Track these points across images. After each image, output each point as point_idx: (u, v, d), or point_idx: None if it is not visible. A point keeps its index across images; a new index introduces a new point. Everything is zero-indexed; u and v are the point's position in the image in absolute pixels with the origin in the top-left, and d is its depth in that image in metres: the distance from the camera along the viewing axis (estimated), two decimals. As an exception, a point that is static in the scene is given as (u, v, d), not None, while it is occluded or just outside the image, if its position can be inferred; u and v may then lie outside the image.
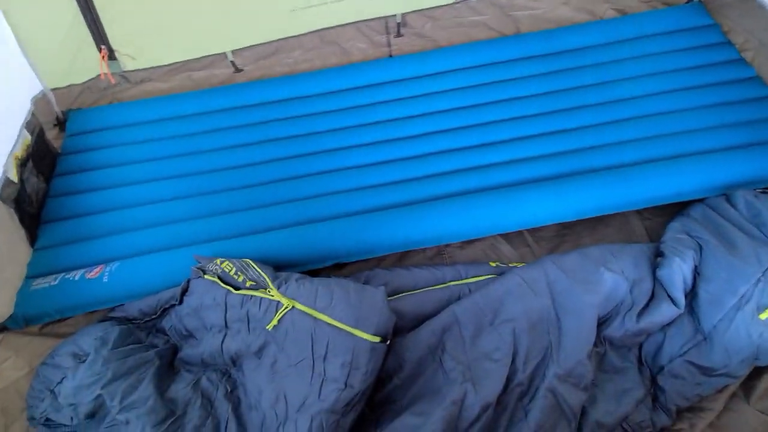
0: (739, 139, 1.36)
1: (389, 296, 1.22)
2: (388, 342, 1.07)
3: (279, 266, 1.24)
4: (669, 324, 1.08)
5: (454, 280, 1.24)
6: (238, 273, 1.13)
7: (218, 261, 1.15)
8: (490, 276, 1.23)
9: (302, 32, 1.53)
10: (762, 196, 1.17)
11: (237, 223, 1.32)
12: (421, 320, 1.18)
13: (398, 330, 1.15)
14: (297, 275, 1.13)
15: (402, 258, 1.39)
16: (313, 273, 1.30)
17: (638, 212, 1.39)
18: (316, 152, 1.45)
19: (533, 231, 1.39)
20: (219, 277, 1.14)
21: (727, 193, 1.24)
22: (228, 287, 1.11)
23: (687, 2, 1.74)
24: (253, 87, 1.60)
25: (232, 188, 1.41)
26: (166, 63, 1.55)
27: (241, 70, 1.60)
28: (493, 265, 1.27)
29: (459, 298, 1.19)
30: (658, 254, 1.15)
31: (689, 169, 1.29)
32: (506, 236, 1.38)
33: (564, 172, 1.35)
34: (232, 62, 1.58)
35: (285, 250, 1.26)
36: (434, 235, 1.31)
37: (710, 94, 1.48)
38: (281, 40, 1.54)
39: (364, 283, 1.25)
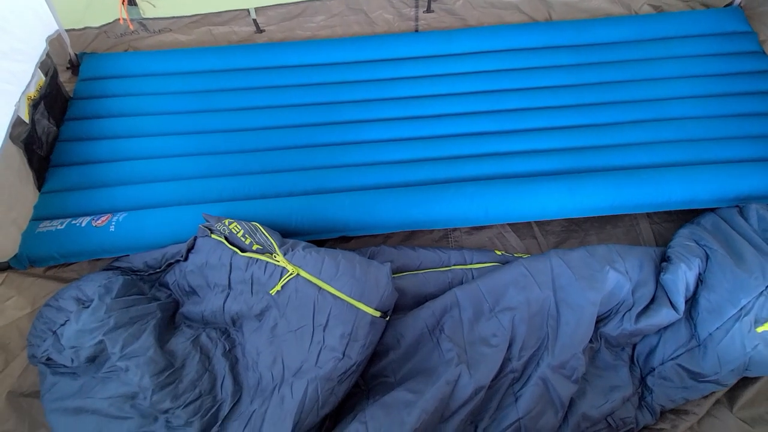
0: (760, 152, 1.34)
1: (393, 274, 1.23)
2: (388, 318, 1.09)
3: (286, 233, 1.24)
4: (665, 327, 1.09)
5: (459, 265, 1.25)
6: (246, 235, 1.13)
7: (226, 221, 1.15)
8: (494, 264, 1.24)
9: (329, -4, 1.49)
10: (776, 212, 1.16)
11: (247, 186, 1.32)
12: (421, 300, 1.20)
13: (398, 307, 1.17)
14: (304, 243, 1.13)
15: (409, 237, 1.39)
16: (319, 243, 1.30)
17: (648, 215, 1.39)
18: (332, 123, 1.43)
19: (541, 224, 1.39)
20: (226, 238, 1.14)
21: (740, 205, 1.24)
22: (234, 248, 1.12)
23: (727, 5, 1.68)
24: (274, 48, 1.56)
25: (245, 150, 1.39)
26: (186, 14, 1.51)
27: (263, 31, 1.56)
28: (499, 253, 1.28)
29: (461, 283, 1.21)
30: (665, 259, 1.16)
31: (705, 177, 1.28)
32: (514, 226, 1.39)
33: (578, 167, 1.34)
34: (254, 20, 1.53)
35: (293, 218, 1.25)
36: (443, 217, 1.30)
37: (737, 103, 1.45)
38: (307, 2, 1.50)
39: (369, 258, 1.26)
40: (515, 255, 1.28)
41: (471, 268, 1.24)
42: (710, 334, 1.04)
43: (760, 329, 0.99)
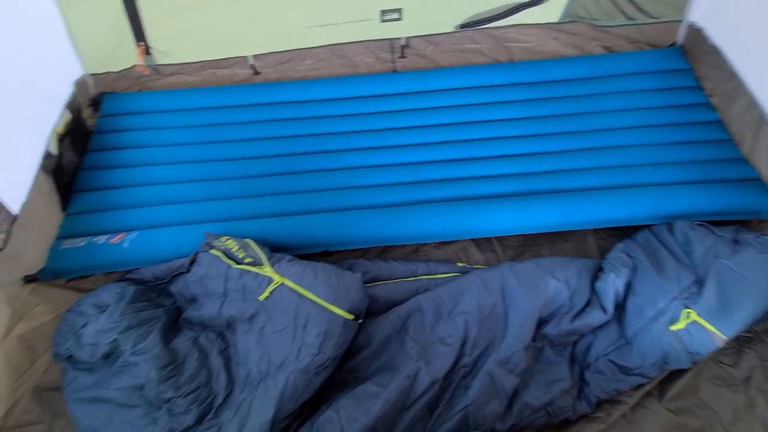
0: (691, 175, 1.52)
1: (367, 283, 1.42)
2: (361, 320, 1.27)
3: (276, 248, 1.44)
4: (599, 328, 1.26)
5: (425, 275, 1.43)
6: (240, 250, 1.32)
7: (224, 238, 1.35)
8: (455, 274, 1.42)
9: (316, 45, 1.72)
10: (698, 228, 1.34)
11: (243, 208, 1.52)
12: (392, 306, 1.37)
13: (371, 312, 1.35)
14: (289, 257, 1.32)
15: (384, 251, 1.58)
16: (305, 257, 1.49)
17: (594, 231, 1.57)
18: (317, 152, 1.64)
19: (500, 239, 1.57)
20: (223, 252, 1.34)
21: (670, 222, 1.41)
22: (230, 261, 1.31)
23: (669, 46, 1.90)
24: (269, 88, 1.79)
25: (242, 177, 1.60)
26: (194, 61, 1.76)
27: (260, 73, 1.80)
28: (460, 265, 1.46)
29: (426, 290, 1.38)
30: (600, 269, 1.33)
31: (642, 198, 1.47)
32: (476, 241, 1.57)
33: (533, 190, 1.53)
34: (252, 65, 1.77)
35: (282, 235, 1.45)
36: (414, 234, 1.49)
37: (671, 132, 1.64)
38: (296, 50, 1.74)
39: (347, 269, 1.45)
40: (474, 267, 1.46)
41: (436, 278, 1.42)
42: (635, 332, 1.20)
43: (673, 327, 1.16)
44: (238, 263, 1.31)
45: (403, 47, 1.75)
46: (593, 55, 1.87)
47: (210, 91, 1.80)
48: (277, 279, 1.24)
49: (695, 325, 1.16)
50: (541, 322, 1.27)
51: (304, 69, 1.81)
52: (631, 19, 1.74)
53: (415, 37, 1.74)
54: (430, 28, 1.71)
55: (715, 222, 1.45)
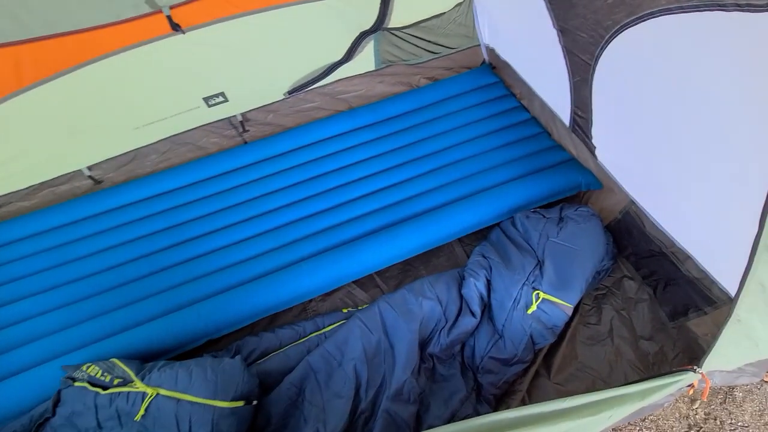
0: (521, 170, 1.74)
1: (258, 359, 1.40)
2: (255, 402, 1.23)
3: (152, 356, 1.37)
4: (476, 331, 1.36)
5: (313, 332, 1.44)
6: (105, 374, 1.23)
7: (84, 367, 1.24)
8: (341, 322, 1.45)
9: (153, 141, 1.72)
10: (532, 216, 1.53)
11: (107, 325, 1.42)
12: (288, 374, 1.35)
13: (268, 388, 1.32)
14: (161, 363, 1.26)
15: (273, 319, 1.56)
16: (190, 352, 1.43)
17: (459, 241, 1.72)
18: (179, 242, 1.61)
19: (380, 273, 1.65)
20: (88, 382, 1.23)
21: (512, 216, 1.60)
22: (97, 389, 1.21)
23: (480, 65, 2.20)
24: (113, 192, 1.72)
25: (101, 291, 1.51)
26: (21, 187, 1.65)
27: (101, 181, 1.74)
28: (345, 311, 1.50)
29: (318, 346, 1.39)
30: (463, 276, 1.45)
31: (485, 201, 1.64)
32: (359, 282, 1.62)
33: (395, 220, 1.64)
34: (90, 176, 1.71)
35: (155, 340, 1.38)
36: (295, 295, 1.51)
37: (499, 137, 1.88)
38: (134, 150, 1.72)
39: (235, 353, 1.42)
40: (359, 308, 1.51)
41: (324, 332, 1.43)
42: (503, 325, 1.32)
43: (529, 311, 1.30)
44: (107, 388, 1.21)
45: (242, 122, 1.82)
46: (420, 87, 2.09)
47: (49, 211, 1.69)
48: (151, 391, 1.17)
49: (546, 303, 1.31)
50: (424, 343, 1.34)
51: (151, 164, 1.79)
52: (435, 53, 1.99)
53: (250, 110, 1.82)
54: (260, 100, 1.80)
55: (549, 204, 1.68)
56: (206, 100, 1.64)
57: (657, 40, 0.90)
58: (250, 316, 1.47)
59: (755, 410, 1.39)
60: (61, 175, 1.67)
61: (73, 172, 1.68)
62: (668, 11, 0.81)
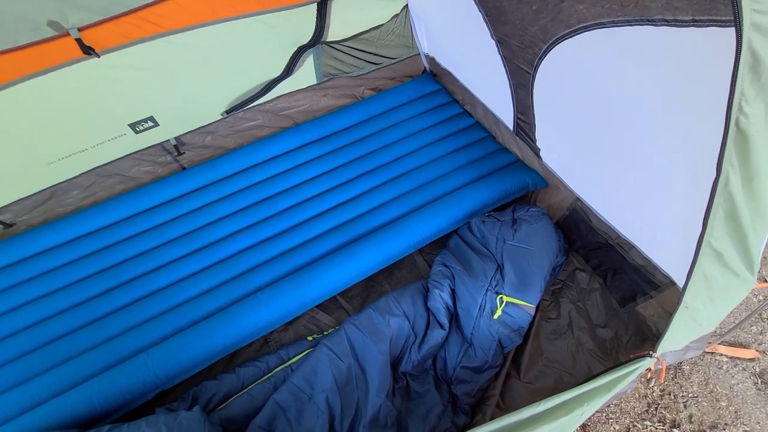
0: (471, 175, 1.77)
1: (220, 404, 1.28)
2: (219, 455, 1.12)
3: (94, 420, 1.20)
4: (447, 341, 1.35)
5: (278, 366, 1.35)
6: (35, 452, 1.06)
7: (8, 448, 1.07)
8: (308, 351, 1.37)
9: (74, 175, 1.53)
10: (487, 220, 1.56)
11: (36, 391, 1.24)
12: (254, 417, 1.25)
13: (234, 434, 1.21)
14: (106, 428, 1.11)
15: (232, 358, 1.45)
16: (139, 409, 1.28)
17: (419, 251, 1.71)
18: (114, 286, 1.45)
19: (343, 293, 1.59)
20: (14, 465, 1.05)
21: (469, 222, 1.61)
22: (27, 472, 1.04)
23: (421, 74, 2.22)
24: (28, 236, 1.51)
25: (23, 353, 1.31)
26: None
27: (13, 224, 1.52)
28: (310, 339, 1.43)
29: (284, 381, 1.30)
30: (427, 288, 1.44)
31: (440, 209, 1.64)
32: (321, 306, 1.55)
33: (351, 238, 1.59)
34: (0, 221, 1.49)
35: (96, 401, 1.22)
36: (253, 330, 1.40)
37: (448, 143, 1.90)
38: (51, 187, 1.52)
39: (192, 402, 1.29)
40: (325, 333, 1.44)
41: (290, 364, 1.35)
42: (471, 333, 1.32)
43: (495, 316, 1.31)
44: (39, 469, 1.05)
45: (177, 146, 1.68)
46: (364, 99, 2.07)
47: (-50, 267, 1.45)
48: (95, 464, 1.03)
49: (510, 306, 1.33)
50: (396, 362, 1.30)
51: (74, 201, 1.59)
52: (377, 64, 1.98)
53: (185, 133, 1.69)
54: (195, 122, 1.68)
55: (502, 206, 1.72)
56: (133, 126, 1.49)
57: (591, 51, 0.94)
58: (206, 359, 1.35)
59: (701, 380, 1.51)
60: (-39, 224, 1.44)
61: (-24, 218, 1.45)
62: (601, 25, 0.85)
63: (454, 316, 1.38)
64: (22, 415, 1.20)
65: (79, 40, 1.06)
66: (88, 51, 1.09)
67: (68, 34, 1.04)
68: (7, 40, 0.99)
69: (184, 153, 1.70)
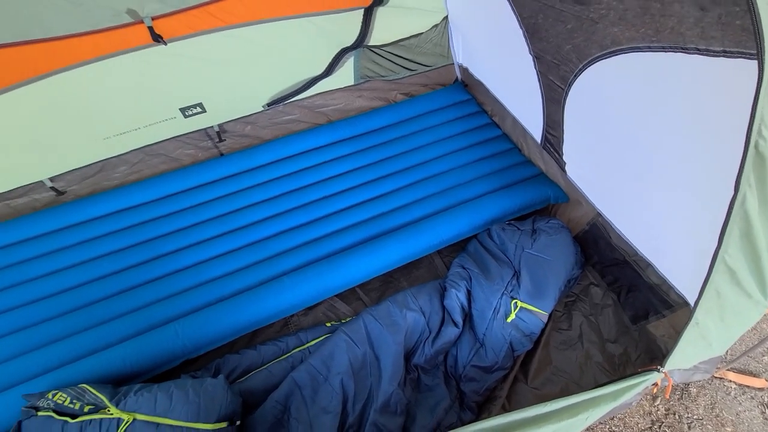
0: (494, 184, 1.83)
1: (240, 378, 1.36)
2: (238, 422, 1.19)
3: (125, 380, 1.29)
4: (458, 340, 1.40)
5: (296, 347, 1.42)
6: (74, 401, 1.15)
7: (50, 394, 1.16)
8: (325, 336, 1.44)
9: (124, 152, 1.65)
10: (507, 228, 1.61)
11: (74, 347, 1.33)
12: (271, 392, 1.33)
13: (252, 406, 1.29)
14: (137, 386, 1.19)
15: (253, 336, 1.53)
16: (166, 374, 1.37)
17: (438, 252, 1.77)
18: (151, 259, 1.54)
19: (362, 286, 1.66)
20: (54, 410, 1.14)
21: (489, 228, 1.67)
22: (65, 418, 1.13)
23: (453, 83, 2.29)
24: (77, 206, 1.63)
25: (65, 312, 1.41)
26: (-26, 201, 1.52)
27: (64, 192, 1.64)
28: (329, 325, 1.49)
29: (302, 362, 1.38)
30: (444, 287, 1.49)
31: (462, 214, 1.70)
32: (341, 296, 1.62)
33: (375, 233, 1.66)
34: (52, 187, 1.60)
35: (128, 362, 1.31)
36: (276, 311, 1.48)
37: (473, 152, 1.96)
38: (101, 161, 1.63)
39: (215, 372, 1.37)
40: (343, 321, 1.51)
41: (308, 347, 1.42)
42: (484, 334, 1.37)
43: (509, 319, 1.36)
44: (76, 416, 1.13)
45: (219, 133, 1.78)
46: (397, 103, 2.15)
47: (5, 226, 1.57)
48: (127, 417, 1.11)
49: (523, 311, 1.37)
50: (409, 354, 1.36)
51: (120, 176, 1.70)
52: (412, 70, 2.06)
53: (228, 122, 1.79)
54: (238, 111, 1.78)
55: (522, 216, 1.77)
56: (183, 110, 1.60)
57: (626, 73, 1.00)
58: (230, 333, 1.43)
59: (707, 404, 1.52)
60: (20, 187, 1.55)
61: (33, 183, 1.57)
62: (638, 49, 0.91)
63: (468, 317, 1.43)
64: (62, 366, 1.30)
65: (150, 28, 1.16)
66: (157, 38, 1.19)
67: (142, 22, 1.15)
68: (91, 22, 1.10)
69: (225, 140, 1.81)
